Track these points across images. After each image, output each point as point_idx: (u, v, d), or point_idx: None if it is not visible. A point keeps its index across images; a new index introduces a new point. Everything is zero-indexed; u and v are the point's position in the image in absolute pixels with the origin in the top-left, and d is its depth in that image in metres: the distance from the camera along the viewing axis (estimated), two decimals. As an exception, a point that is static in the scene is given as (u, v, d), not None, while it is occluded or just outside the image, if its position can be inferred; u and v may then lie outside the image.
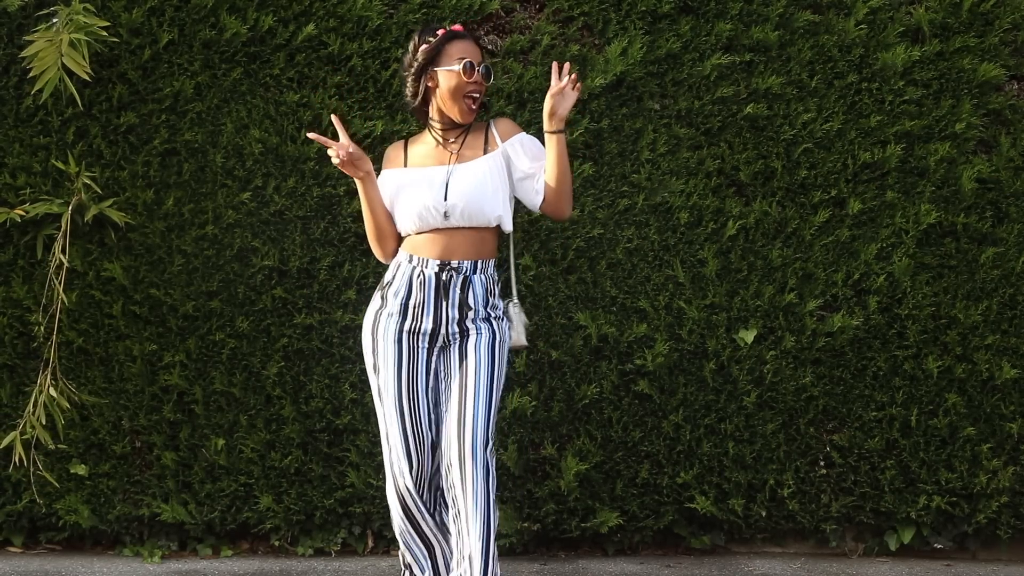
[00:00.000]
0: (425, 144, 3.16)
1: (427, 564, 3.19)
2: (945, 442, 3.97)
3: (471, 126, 3.14)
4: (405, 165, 3.15)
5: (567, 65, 3.03)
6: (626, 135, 3.92)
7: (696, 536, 4.04)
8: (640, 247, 3.94)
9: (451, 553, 3.13)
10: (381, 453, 3.89)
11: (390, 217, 3.15)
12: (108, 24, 3.75)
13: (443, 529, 3.17)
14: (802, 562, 4.01)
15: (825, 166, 3.94)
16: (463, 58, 3.04)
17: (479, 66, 3.06)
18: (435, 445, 3.11)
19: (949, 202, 3.95)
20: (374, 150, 3.87)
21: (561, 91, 3.00)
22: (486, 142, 3.11)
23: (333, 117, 3.11)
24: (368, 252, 3.88)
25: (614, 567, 3.91)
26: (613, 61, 3.88)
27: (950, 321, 3.95)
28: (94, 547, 4.05)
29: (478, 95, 3.07)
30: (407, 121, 3.86)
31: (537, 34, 3.91)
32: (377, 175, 3.17)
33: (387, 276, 3.16)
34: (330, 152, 3.05)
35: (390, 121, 3.86)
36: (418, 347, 3.09)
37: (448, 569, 3.17)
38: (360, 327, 3.88)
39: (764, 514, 3.98)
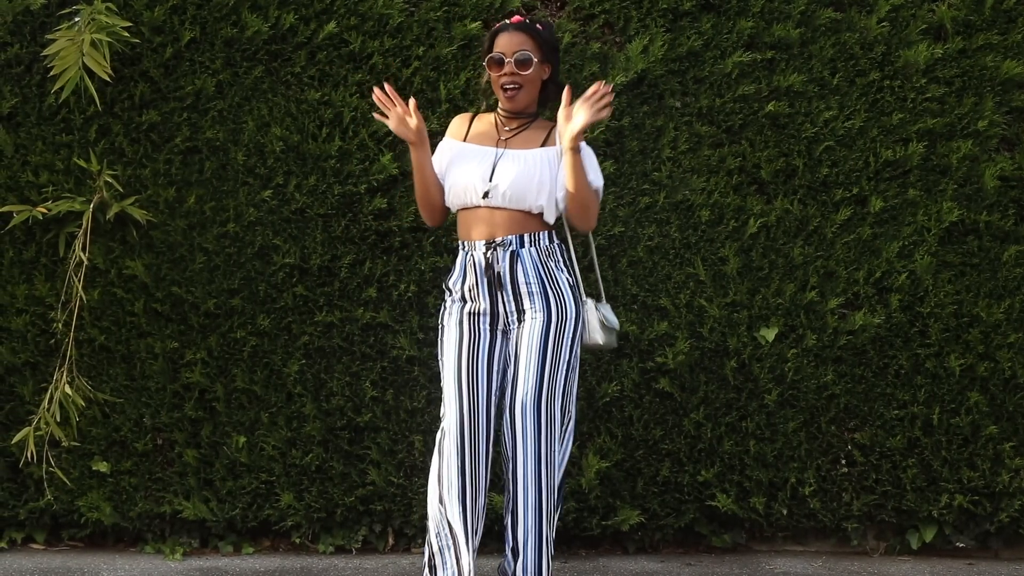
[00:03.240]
0: (487, 124, 3.26)
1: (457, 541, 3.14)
2: (967, 441, 3.96)
3: (535, 119, 3.21)
4: (465, 139, 3.25)
5: (599, 85, 3.02)
6: (647, 133, 3.92)
7: (717, 534, 4.03)
8: (661, 245, 3.93)
9: (472, 549, 3.13)
10: (402, 451, 3.93)
11: (440, 186, 3.24)
12: (130, 24, 3.76)
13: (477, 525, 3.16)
14: (823, 561, 4.00)
15: (847, 164, 3.93)
16: (496, 52, 3.15)
17: (511, 57, 3.11)
18: (491, 429, 3.13)
19: (971, 200, 3.93)
20: (395, 148, 3.88)
21: (575, 105, 3.03)
22: (547, 138, 3.16)
23: (387, 86, 3.15)
24: (388, 250, 3.90)
25: (635, 565, 3.91)
26: (634, 59, 3.87)
27: (972, 319, 3.94)
28: (116, 544, 4.06)
29: (511, 86, 3.14)
30: (429, 119, 3.86)
31: (558, 32, 3.90)
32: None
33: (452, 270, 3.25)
34: (389, 114, 3.14)
35: (411, 119, 3.86)
36: (479, 328, 3.15)
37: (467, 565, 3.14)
38: (383, 325, 3.91)
39: (785, 512, 3.97)
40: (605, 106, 3.03)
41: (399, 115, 3.14)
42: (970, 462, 3.95)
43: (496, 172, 3.11)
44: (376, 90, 3.17)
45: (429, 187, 3.23)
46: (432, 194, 3.24)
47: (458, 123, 3.31)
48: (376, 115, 3.19)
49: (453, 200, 3.20)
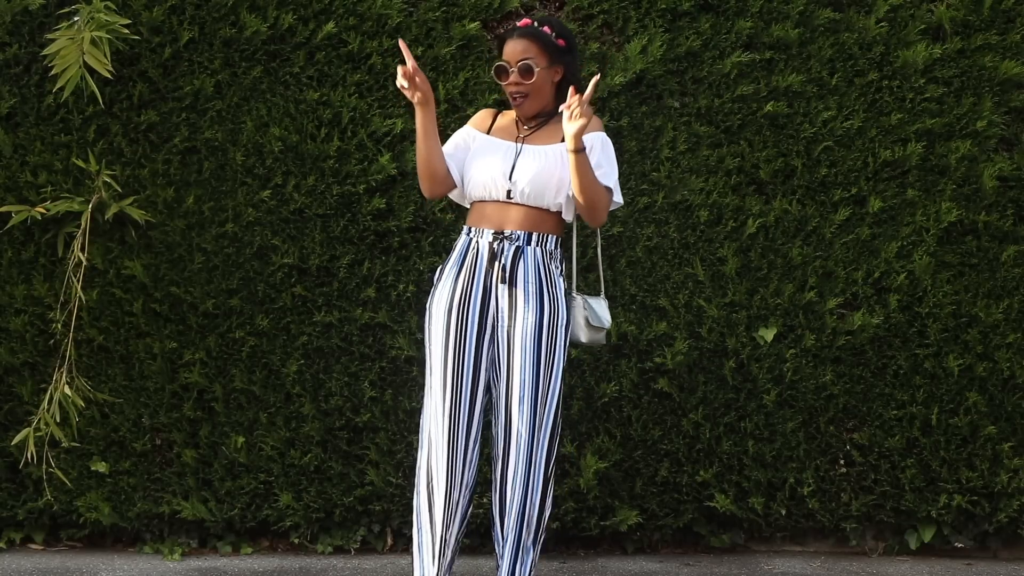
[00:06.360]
0: (509, 119, 3.24)
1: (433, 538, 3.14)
2: (966, 441, 3.96)
3: (555, 114, 3.16)
4: (488, 132, 3.23)
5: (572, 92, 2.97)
6: (646, 133, 3.92)
7: (716, 535, 4.03)
8: (660, 245, 3.93)
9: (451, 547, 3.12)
10: (401, 451, 3.93)
11: (441, 156, 3.15)
12: (129, 22, 3.76)
13: (460, 528, 3.15)
14: (822, 561, 4.01)
15: (845, 164, 3.93)
16: (501, 60, 3.12)
17: (514, 66, 3.09)
18: (476, 423, 3.11)
19: (970, 200, 3.93)
20: (394, 148, 3.88)
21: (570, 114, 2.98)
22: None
23: (400, 42, 3.05)
24: (387, 250, 3.90)
25: (633, 565, 3.91)
26: (633, 59, 3.87)
27: (971, 319, 3.94)
28: (115, 544, 4.06)
29: (517, 95, 3.12)
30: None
31: (557, 32, 3.90)
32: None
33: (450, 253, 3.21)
34: (399, 71, 3.01)
35: (410, 119, 3.86)
36: (468, 321, 3.10)
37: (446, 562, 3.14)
38: (381, 325, 3.92)
39: (784, 512, 3.97)
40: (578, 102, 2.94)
41: (405, 72, 2.99)
42: (969, 462, 3.96)
43: (516, 169, 3.09)
44: (401, 41, 3.04)
45: (432, 154, 3.12)
46: (434, 162, 3.13)
47: (483, 116, 3.29)
48: (399, 71, 2.99)
49: (472, 193, 3.17)
